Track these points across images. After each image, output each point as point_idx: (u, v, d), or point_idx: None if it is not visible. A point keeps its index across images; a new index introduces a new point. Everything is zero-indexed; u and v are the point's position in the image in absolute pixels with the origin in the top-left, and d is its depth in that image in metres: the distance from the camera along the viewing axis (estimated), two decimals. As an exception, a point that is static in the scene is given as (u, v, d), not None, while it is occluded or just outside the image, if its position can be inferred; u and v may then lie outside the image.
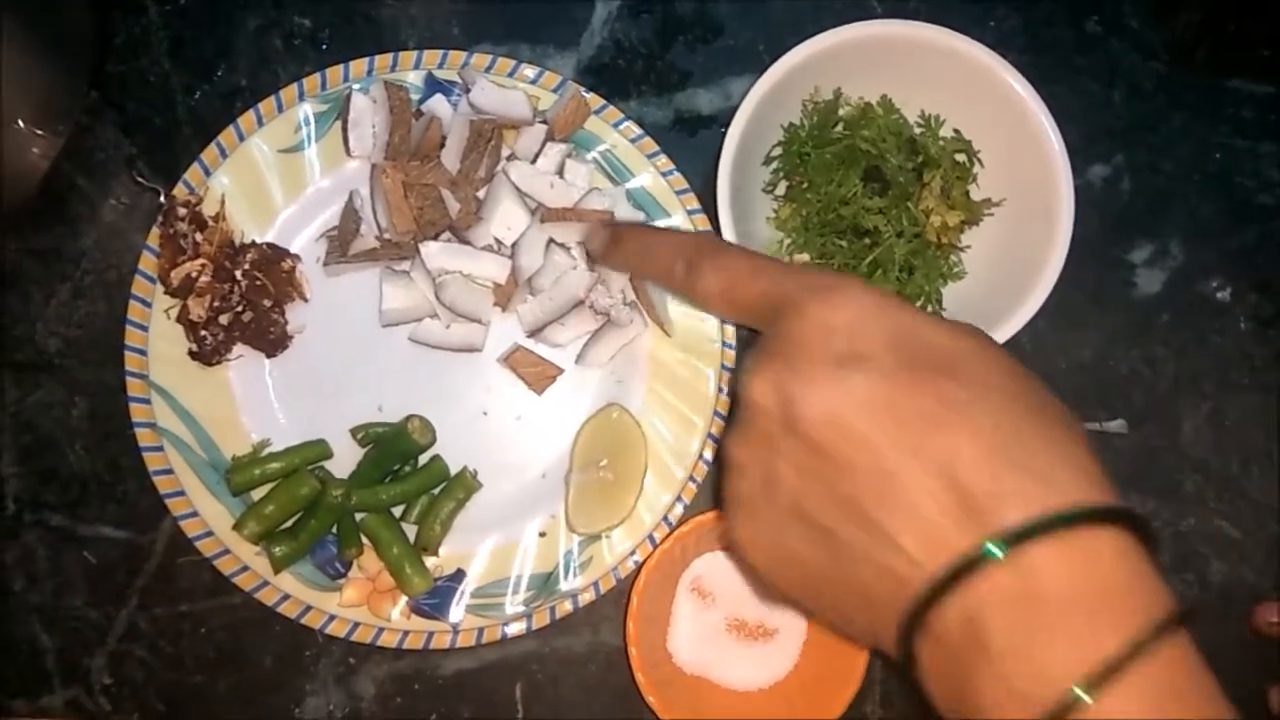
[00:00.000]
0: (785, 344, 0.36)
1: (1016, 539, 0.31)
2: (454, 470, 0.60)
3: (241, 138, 0.61)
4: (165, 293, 0.59)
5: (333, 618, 0.59)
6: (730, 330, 0.61)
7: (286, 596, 0.58)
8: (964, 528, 0.32)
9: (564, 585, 0.59)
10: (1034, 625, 0.30)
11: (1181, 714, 0.30)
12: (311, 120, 0.61)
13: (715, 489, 0.60)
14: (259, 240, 0.60)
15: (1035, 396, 0.35)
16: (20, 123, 0.60)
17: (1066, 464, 0.33)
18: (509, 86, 0.61)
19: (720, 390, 0.61)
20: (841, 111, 0.61)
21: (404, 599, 0.59)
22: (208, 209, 0.60)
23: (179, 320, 0.59)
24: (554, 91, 0.62)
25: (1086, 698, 0.29)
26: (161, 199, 0.60)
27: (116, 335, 0.60)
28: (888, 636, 0.34)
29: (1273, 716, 0.61)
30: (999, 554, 0.31)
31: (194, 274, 0.58)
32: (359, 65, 0.62)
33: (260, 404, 0.60)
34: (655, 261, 0.45)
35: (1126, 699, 0.29)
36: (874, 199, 0.59)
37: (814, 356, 0.35)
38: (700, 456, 0.60)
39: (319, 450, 0.60)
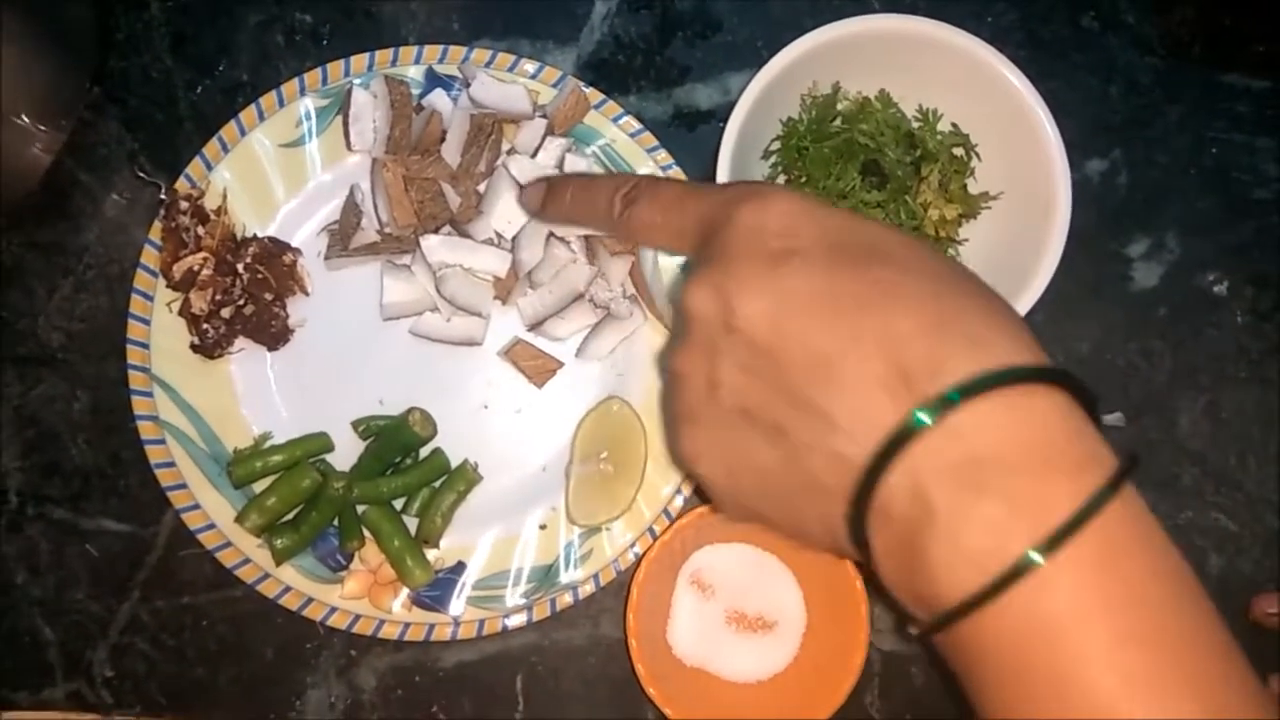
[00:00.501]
0: (719, 252, 0.36)
1: (948, 402, 0.30)
2: (455, 463, 0.61)
3: (243, 132, 0.61)
4: (167, 286, 0.59)
5: (334, 610, 0.59)
6: (729, 324, 0.61)
7: (288, 589, 0.59)
8: (901, 399, 0.31)
9: (564, 578, 0.60)
10: (978, 487, 0.30)
11: (1132, 568, 0.30)
12: (313, 115, 0.62)
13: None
14: (260, 234, 0.61)
15: (967, 277, 0.35)
16: (23, 118, 0.60)
17: (1002, 330, 0.33)
18: (509, 81, 0.62)
19: (719, 383, 0.61)
20: (840, 106, 0.61)
21: (405, 591, 0.59)
22: (209, 203, 0.60)
23: (181, 314, 0.60)
24: (554, 86, 0.62)
25: (1039, 559, 0.29)
26: (163, 193, 0.60)
27: (118, 329, 0.60)
28: (842, 531, 0.34)
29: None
30: (928, 420, 0.31)
31: (196, 268, 0.59)
32: (360, 60, 0.62)
33: (262, 397, 0.61)
34: (593, 204, 0.45)
35: (1079, 557, 0.29)
36: (872, 193, 0.59)
37: (748, 258, 0.35)
38: (700, 449, 0.60)
39: (320, 443, 0.60)
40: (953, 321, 0.32)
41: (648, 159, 0.62)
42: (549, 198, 0.48)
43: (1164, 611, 0.30)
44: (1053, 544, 0.29)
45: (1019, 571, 0.29)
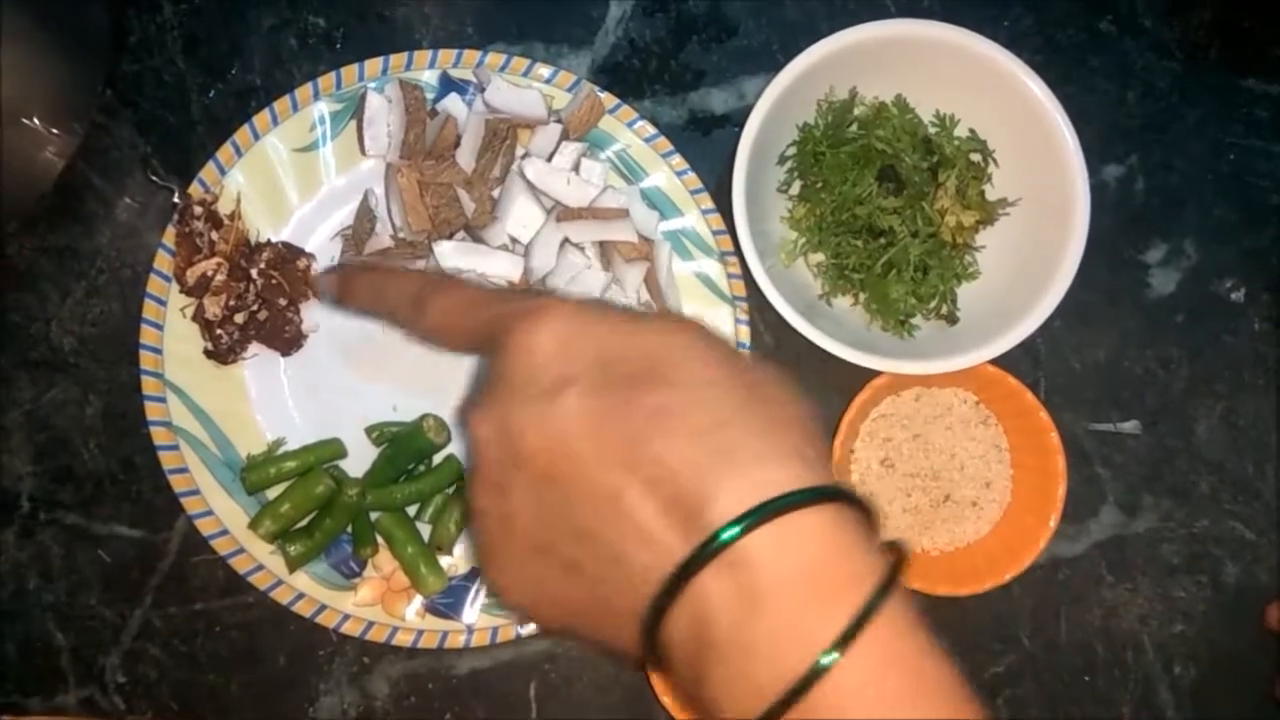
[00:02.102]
0: (498, 379, 0.36)
1: (722, 537, 0.31)
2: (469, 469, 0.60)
3: (256, 137, 0.61)
4: (180, 291, 0.59)
5: (347, 617, 0.59)
6: (745, 330, 0.61)
7: (301, 595, 0.58)
8: (681, 534, 0.32)
9: (578, 585, 0.59)
10: (753, 617, 0.31)
11: (901, 679, 0.31)
12: (326, 119, 0.61)
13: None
14: (274, 239, 0.61)
15: (749, 388, 0.34)
16: (35, 121, 0.60)
17: (775, 453, 0.33)
18: (524, 86, 0.61)
19: (734, 390, 0.60)
20: (856, 111, 0.61)
21: (418, 598, 0.59)
22: (223, 208, 0.60)
23: (194, 319, 0.59)
24: (568, 91, 0.62)
25: (806, 683, 0.30)
26: (176, 198, 0.60)
27: (131, 334, 0.60)
28: (647, 657, 0.35)
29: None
30: (703, 555, 0.31)
31: (209, 273, 0.59)
32: (374, 64, 0.62)
33: (275, 403, 0.60)
34: (385, 302, 0.45)
35: (849, 673, 0.30)
36: (889, 199, 0.59)
37: (525, 386, 0.35)
38: (714, 456, 0.60)
39: (334, 449, 0.60)
40: (726, 451, 0.32)
41: (663, 164, 0.62)
42: (344, 289, 0.47)
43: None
44: (817, 669, 0.30)
45: (787, 703, 0.30)
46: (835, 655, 0.30)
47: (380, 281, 0.47)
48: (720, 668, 0.31)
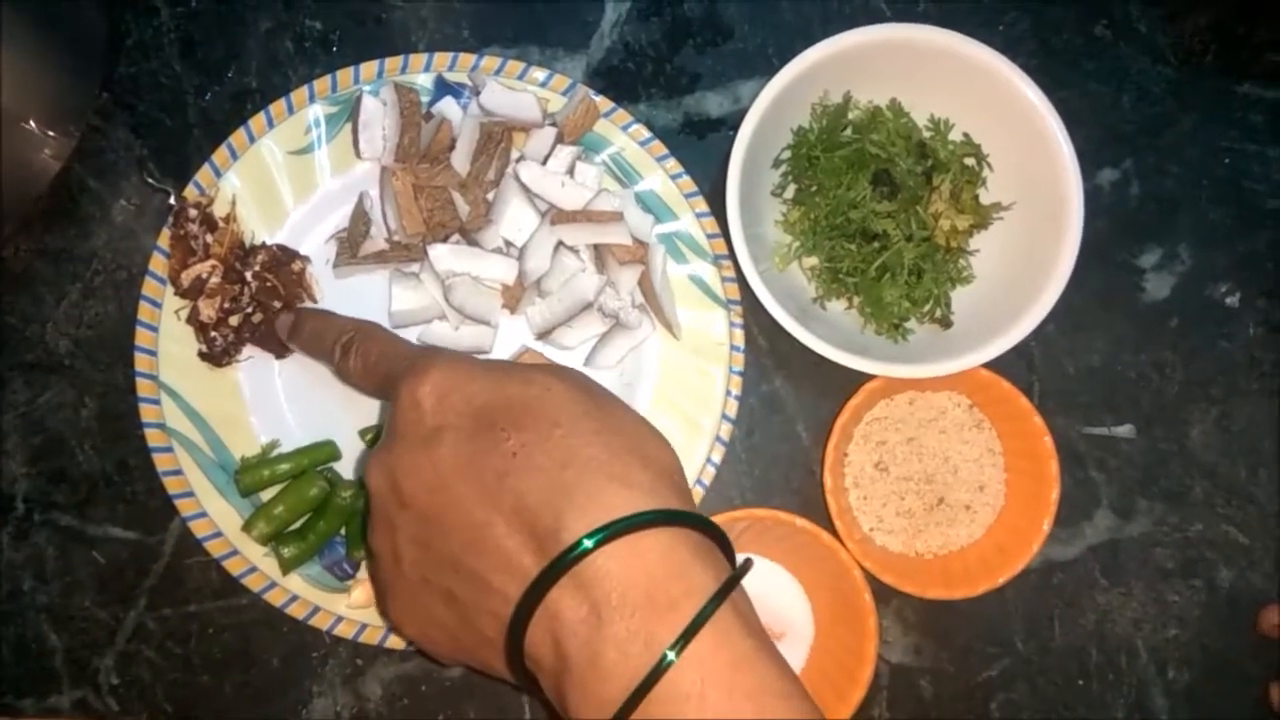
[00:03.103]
0: (390, 429, 0.41)
1: (568, 559, 0.35)
2: (462, 472, 0.60)
3: (252, 139, 0.61)
4: (175, 294, 0.59)
5: (340, 619, 0.59)
6: (739, 333, 0.61)
7: (294, 598, 0.58)
8: (536, 556, 0.36)
9: (572, 587, 0.59)
10: (600, 628, 0.34)
11: (735, 678, 0.34)
12: (322, 122, 0.61)
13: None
14: (269, 242, 0.61)
15: (603, 428, 0.39)
16: (31, 123, 0.60)
17: (620, 484, 0.37)
18: (519, 89, 0.61)
19: (728, 393, 0.61)
20: (851, 115, 0.61)
21: (412, 600, 0.59)
22: (218, 210, 0.60)
23: (189, 321, 0.59)
24: (563, 94, 0.62)
25: (648, 683, 0.33)
26: (172, 200, 0.60)
27: (126, 336, 0.60)
28: (519, 678, 0.39)
29: (1275, 713, 0.61)
30: (556, 570, 0.35)
31: (204, 275, 0.59)
32: (369, 68, 0.62)
33: (269, 405, 0.60)
34: (321, 346, 0.52)
35: (686, 674, 0.33)
36: (883, 203, 0.59)
37: (408, 437, 0.40)
38: (708, 459, 0.60)
39: (328, 451, 0.60)
40: (575, 483, 0.37)
41: (657, 167, 0.62)
42: (293, 329, 0.55)
43: None
44: (651, 678, 0.33)
45: (632, 704, 0.33)
46: (672, 656, 0.33)
47: (320, 326, 0.53)
48: (575, 678, 0.35)
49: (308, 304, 0.60)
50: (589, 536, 0.35)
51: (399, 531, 0.40)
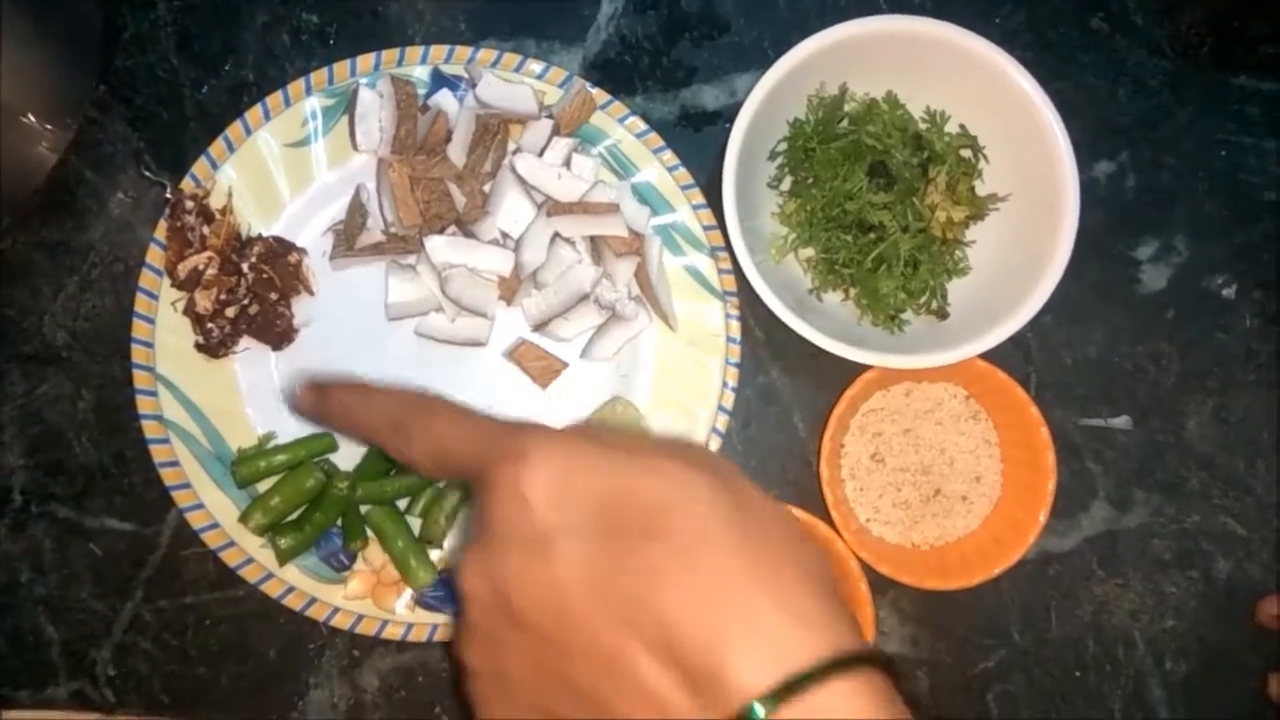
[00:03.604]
0: (487, 526, 0.34)
1: (753, 717, 0.29)
2: (459, 464, 0.60)
3: (248, 132, 0.61)
4: (172, 286, 0.59)
5: (337, 610, 0.59)
6: (735, 325, 0.61)
7: (291, 589, 0.59)
8: (692, 697, 0.30)
9: (568, 579, 0.59)
10: None
11: None
12: (318, 115, 0.61)
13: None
14: (265, 234, 0.61)
15: (756, 535, 0.33)
16: (29, 116, 0.60)
17: (788, 613, 0.31)
18: (515, 81, 0.61)
19: (725, 385, 0.61)
20: (847, 107, 0.61)
21: (408, 591, 0.59)
22: (215, 202, 0.60)
23: (185, 313, 0.59)
24: (560, 87, 0.62)
25: None
26: (169, 193, 0.60)
27: (123, 328, 0.60)
28: None
29: (1273, 704, 0.61)
30: None
31: (201, 267, 0.59)
32: (366, 60, 0.62)
33: (266, 397, 0.61)
34: (361, 425, 0.42)
35: None
36: (879, 194, 0.59)
37: (515, 536, 0.33)
38: (705, 451, 0.60)
39: (324, 443, 0.60)
40: (734, 611, 0.30)
41: (654, 159, 0.62)
42: (318, 403, 0.44)
43: None
44: None
45: None
46: None
47: (356, 401, 0.43)
48: None
49: (337, 377, 0.46)
50: (775, 694, 0.29)
51: (506, 650, 0.34)
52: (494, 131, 0.61)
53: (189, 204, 0.59)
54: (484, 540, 0.34)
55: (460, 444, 0.37)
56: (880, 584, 0.59)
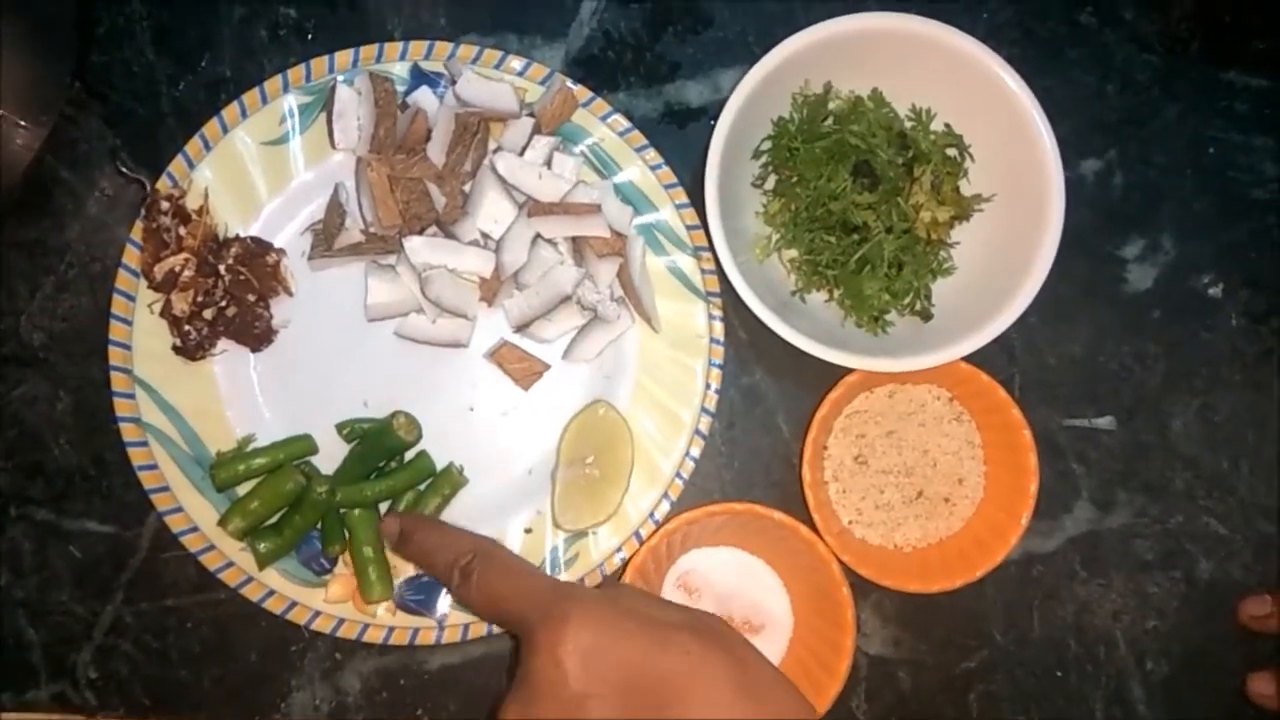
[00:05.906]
0: (525, 679, 0.39)
1: None
2: (440, 466, 0.60)
3: (225, 130, 0.60)
4: (149, 288, 0.59)
5: (318, 613, 0.58)
6: (719, 326, 0.61)
7: (271, 592, 0.58)
8: None
9: (550, 581, 0.59)
10: None
11: None
12: (296, 112, 0.61)
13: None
14: (243, 234, 0.60)
15: (770, 704, 0.39)
16: (2, 113, 0.59)
17: None
18: (495, 78, 0.61)
19: (708, 386, 0.60)
20: (831, 105, 0.60)
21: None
22: (191, 202, 0.59)
23: (163, 315, 0.59)
24: (541, 84, 0.61)
25: None
26: (146, 190, 0.59)
27: (101, 329, 0.59)
28: None
29: (1253, 703, 0.61)
30: None
31: (177, 269, 0.58)
32: (344, 56, 0.61)
33: (245, 399, 0.60)
34: (433, 565, 0.49)
35: None
36: (863, 194, 0.59)
37: (550, 697, 0.38)
38: (687, 453, 0.60)
39: (304, 446, 0.59)
40: None
41: (636, 158, 0.61)
42: (400, 541, 0.51)
43: None
44: None
45: None
46: None
47: (431, 542, 0.50)
48: None
49: (415, 517, 0.57)
50: None
51: None
52: (474, 130, 0.60)
53: (165, 205, 0.58)
54: (525, 693, 0.39)
55: (511, 597, 0.43)
56: (863, 586, 0.59)
